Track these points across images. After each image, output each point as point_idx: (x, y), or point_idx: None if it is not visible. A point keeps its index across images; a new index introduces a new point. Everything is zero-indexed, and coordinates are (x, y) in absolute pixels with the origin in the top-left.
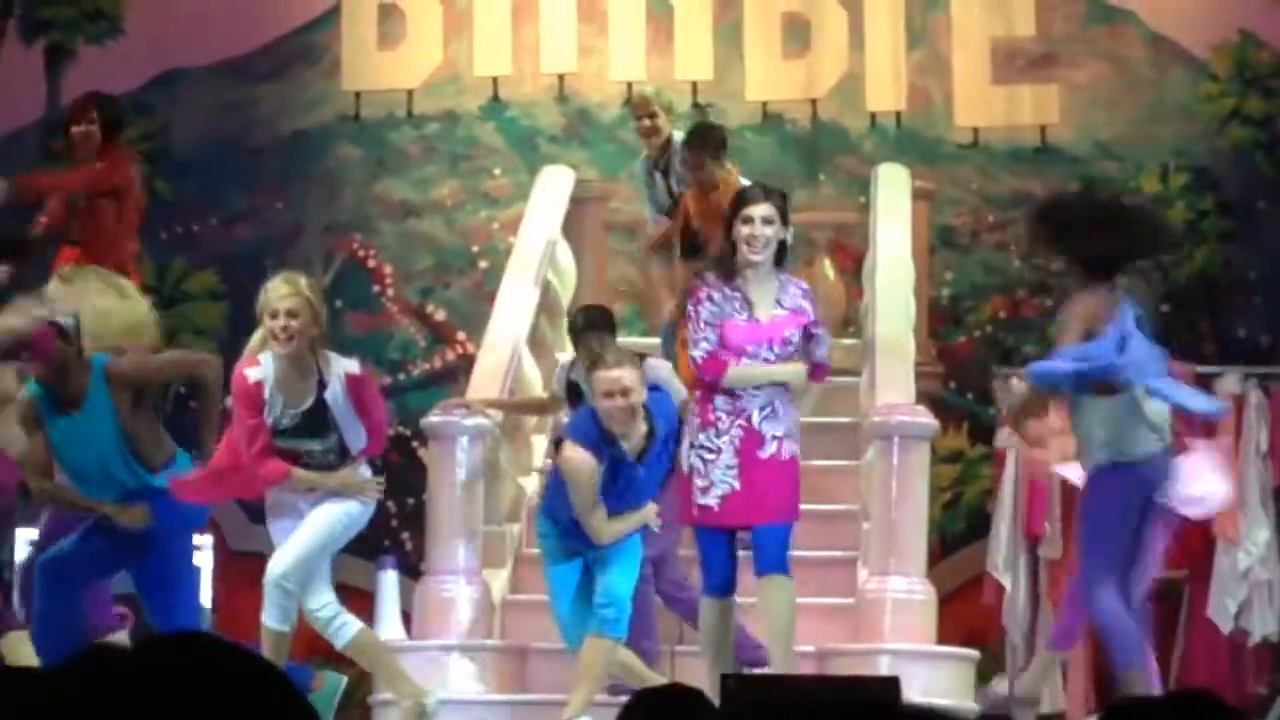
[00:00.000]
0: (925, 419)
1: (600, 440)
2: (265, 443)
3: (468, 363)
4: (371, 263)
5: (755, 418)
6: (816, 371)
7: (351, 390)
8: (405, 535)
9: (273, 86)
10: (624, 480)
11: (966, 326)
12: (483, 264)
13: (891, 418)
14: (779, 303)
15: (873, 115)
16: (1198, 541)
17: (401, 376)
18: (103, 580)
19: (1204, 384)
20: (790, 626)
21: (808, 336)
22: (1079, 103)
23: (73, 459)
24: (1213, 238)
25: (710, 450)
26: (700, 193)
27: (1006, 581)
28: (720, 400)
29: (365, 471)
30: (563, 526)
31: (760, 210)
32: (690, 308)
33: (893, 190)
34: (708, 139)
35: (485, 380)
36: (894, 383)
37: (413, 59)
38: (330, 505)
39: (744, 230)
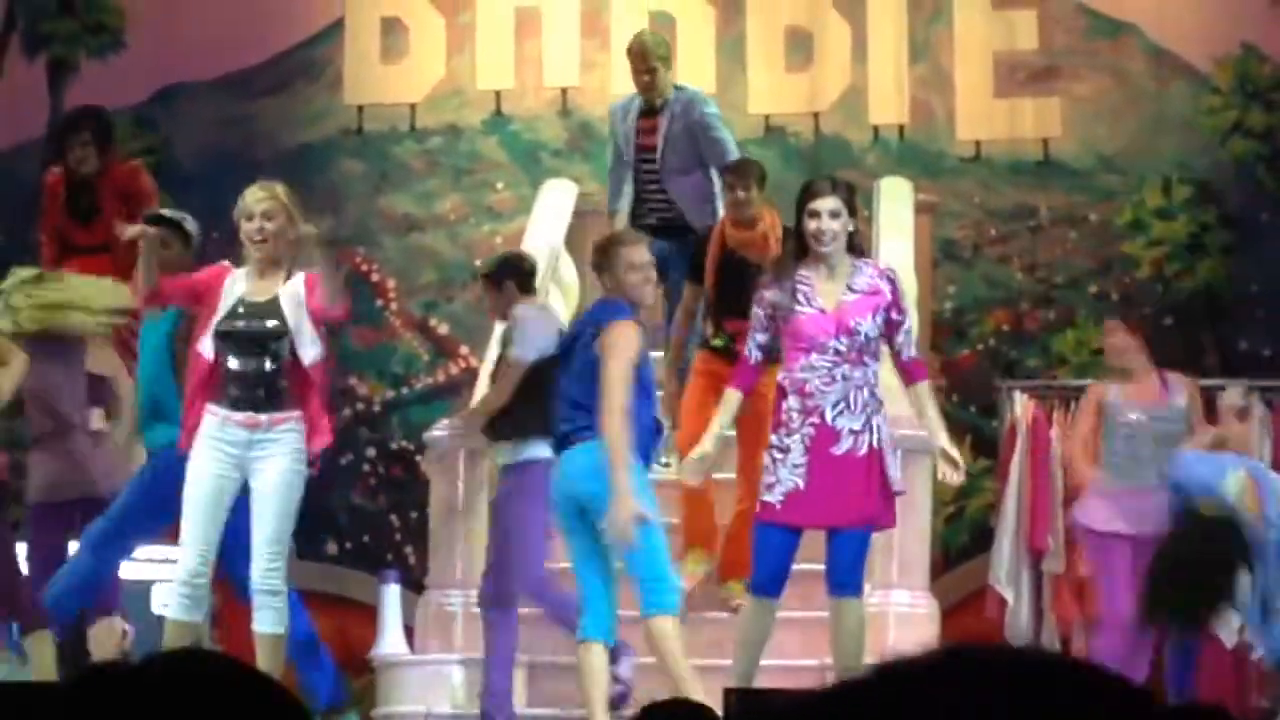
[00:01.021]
0: (928, 432)
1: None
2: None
3: (471, 376)
4: (374, 276)
5: (829, 414)
6: (913, 371)
7: (309, 284)
8: (408, 549)
9: (275, 100)
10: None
11: (969, 340)
12: None
13: (895, 431)
14: (849, 288)
15: (875, 128)
16: None
17: (404, 390)
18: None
19: (1206, 397)
20: (856, 652)
21: (890, 325)
22: (1081, 116)
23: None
24: (1215, 251)
25: (780, 450)
26: (737, 223)
27: (1009, 595)
28: (792, 400)
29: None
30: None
31: (827, 204)
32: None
33: (895, 203)
34: (749, 171)
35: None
36: (897, 396)
37: (415, 73)
38: (269, 484)
39: (811, 225)
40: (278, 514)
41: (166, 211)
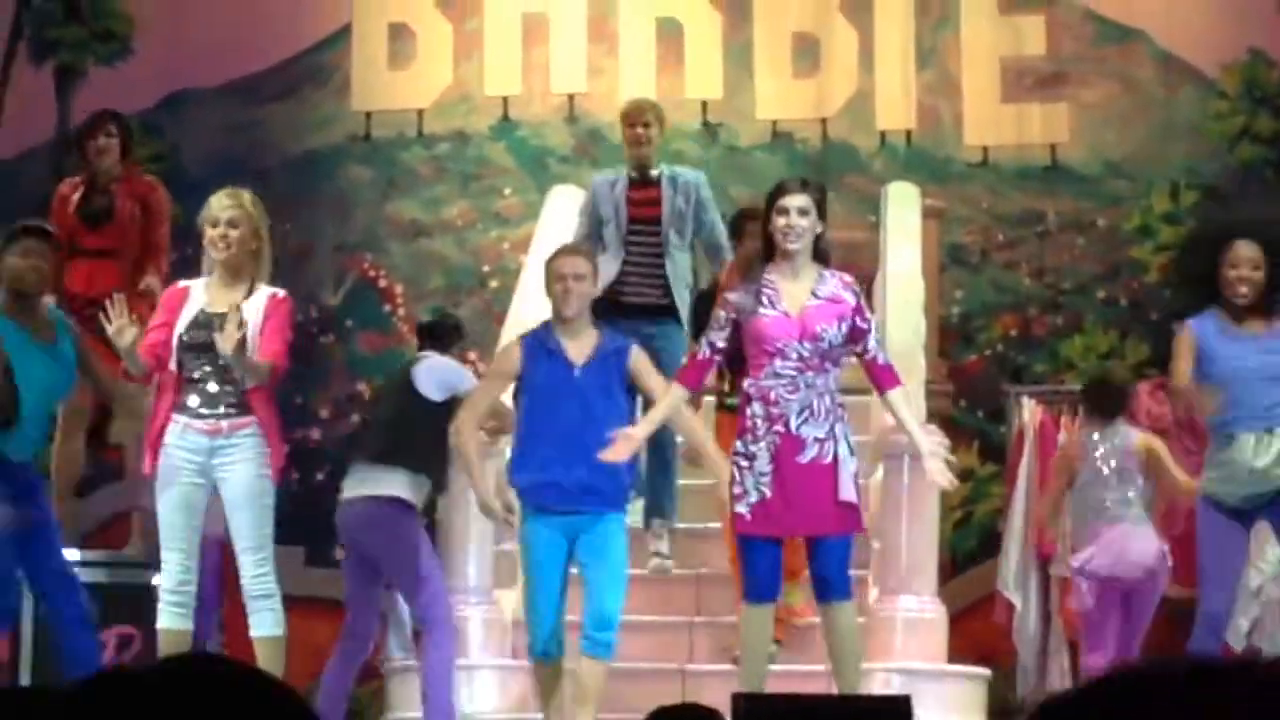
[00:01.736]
0: (910, 440)
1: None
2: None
3: None
4: (382, 282)
5: (793, 422)
6: (885, 378)
7: (268, 306)
8: None
9: (283, 107)
10: (558, 380)
11: (977, 345)
12: (493, 283)
13: (902, 436)
14: (814, 294)
15: (882, 134)
16: None
17: None
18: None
19: None
20: (854, 654)
21: (855, 331)
22: (1089, 121)
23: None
24: None
25: (746, 458)
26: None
27: (1017, 600)
28: (756, 406)
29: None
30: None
31: (796, 201)
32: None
33: (903, 209)
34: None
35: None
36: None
37: (423, 79)
38: (238, 494)
39: (779, 221)
40: (252, 522)
41: None
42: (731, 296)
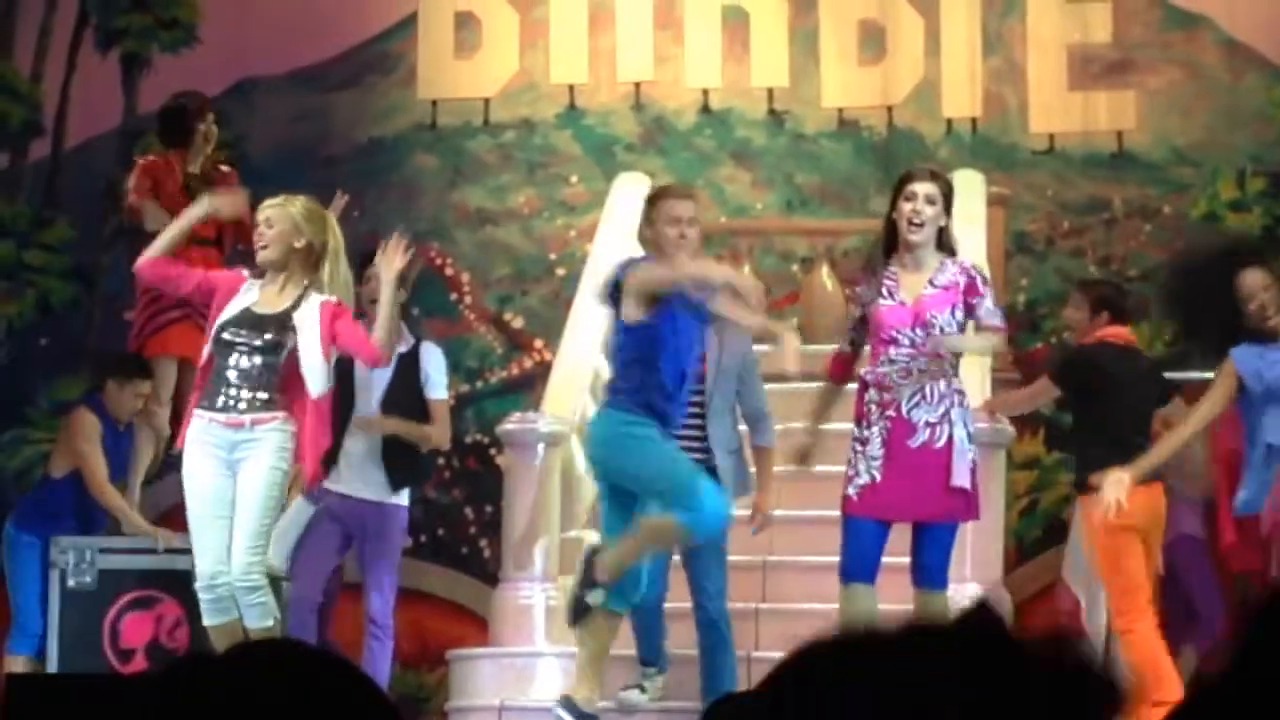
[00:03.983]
0: (1002, 426)
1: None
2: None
3: (545, 370)
4: (449, 271)
5: (904, 407)
6: (992, 328)
7: (327, 313)
8: (483, 542)
9: (349, 95)
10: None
11: (1042, 333)
12: (560, 271)
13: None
14: (931, 282)
15: (948, 121)
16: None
17: (479, 384)
18: None
19: None
20: None
21: (968, 308)
22: (1155, 108)
23: None
24: None
25: (860, 441)
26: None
27: (1080, 593)
28: (872, 392)
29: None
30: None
31: (924, 188)
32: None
33: (968, 196)
34: None
35: (562, 388)
36: (970, 389)
37: (489, 67)
38: (249, 482)
39: (905, 207)
40: (257, 513)
41: None
42: (858, 289)
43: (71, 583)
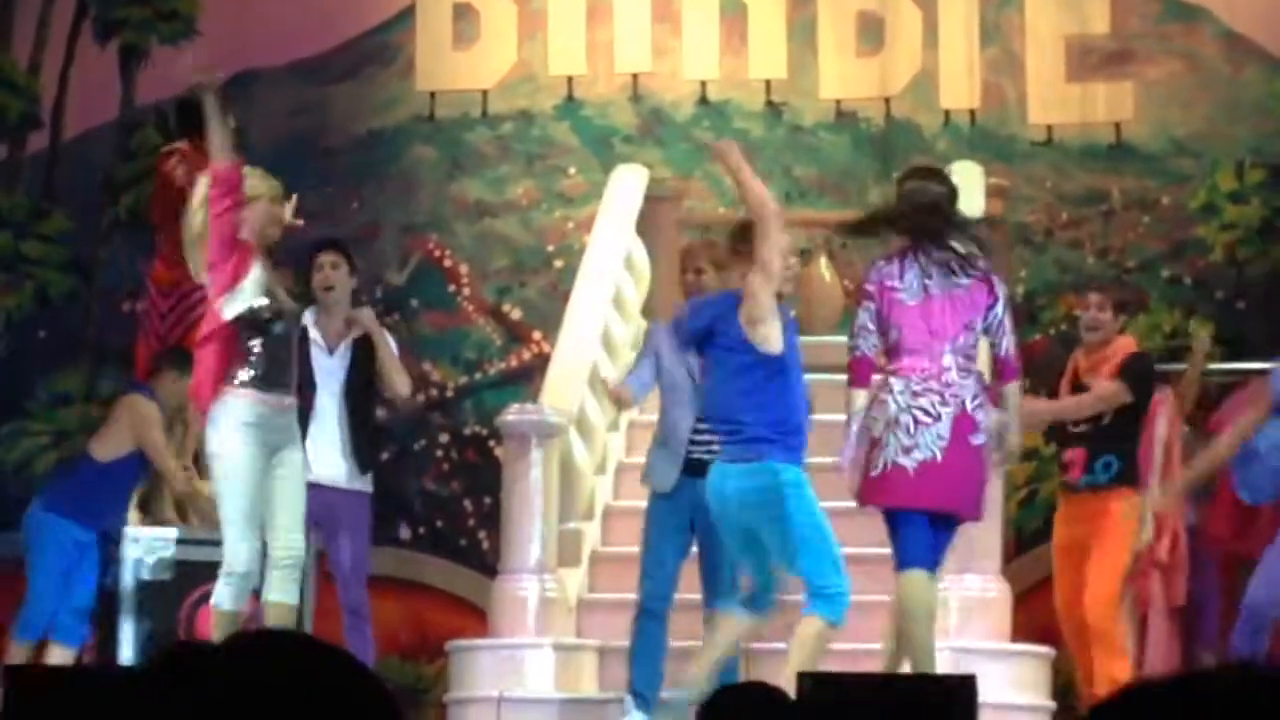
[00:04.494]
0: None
1: None
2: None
3: (543, 361)
4: (447, 262)
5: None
6: (1005, 372)
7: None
8: (481, 534)
9: (348, 87)
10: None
11: (1041, 324)
12: (558, 263)
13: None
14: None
15: (946, 113)
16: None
17: (477, 375)
18: None
19: None
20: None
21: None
22: (1153, 100)
23: None
24: None
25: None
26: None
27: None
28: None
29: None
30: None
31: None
32: None
33: (967, 188)
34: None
35: (560, 380)
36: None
37: (487, 59)
38: (297, 467)
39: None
40: (300, 496)
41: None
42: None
43: (148, 576)
